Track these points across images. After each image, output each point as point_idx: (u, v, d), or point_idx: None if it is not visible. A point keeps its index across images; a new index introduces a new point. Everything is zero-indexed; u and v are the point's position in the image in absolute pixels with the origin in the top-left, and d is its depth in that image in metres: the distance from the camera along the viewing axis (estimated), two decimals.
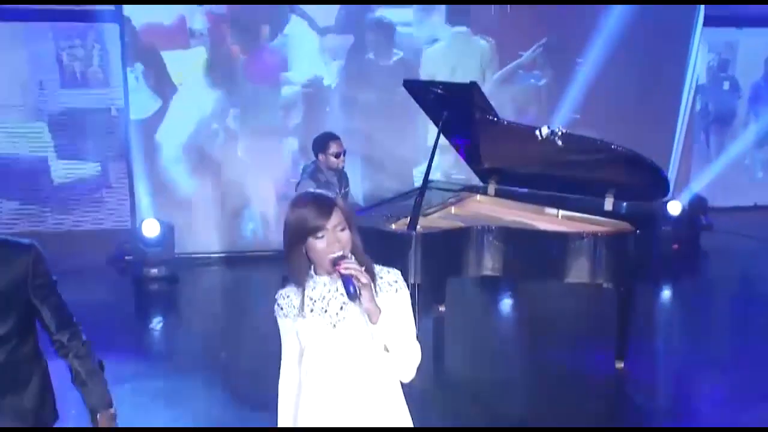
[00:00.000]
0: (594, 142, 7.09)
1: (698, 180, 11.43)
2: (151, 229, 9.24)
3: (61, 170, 10.73)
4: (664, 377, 7.30)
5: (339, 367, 3.31)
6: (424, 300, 7.53)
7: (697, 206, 10.79)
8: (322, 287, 3.21)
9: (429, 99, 7.05)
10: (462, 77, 9.77)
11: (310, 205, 3.20)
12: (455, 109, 6.90)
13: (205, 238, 9.88)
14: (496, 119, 6.88)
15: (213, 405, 5.77)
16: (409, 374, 3.32)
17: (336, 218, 3.10)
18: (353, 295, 2.98)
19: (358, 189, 9.47)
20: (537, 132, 6.62)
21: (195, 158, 10.18)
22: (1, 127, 10.46)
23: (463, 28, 10.55)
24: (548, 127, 6.65)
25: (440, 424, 6.10)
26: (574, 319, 8.48)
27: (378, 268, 3.25)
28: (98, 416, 3.56)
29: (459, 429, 5.25)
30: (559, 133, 6.63)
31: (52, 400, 3.61)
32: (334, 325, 3.23)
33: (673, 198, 10.32)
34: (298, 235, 3.14)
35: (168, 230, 9.38)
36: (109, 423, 3.63)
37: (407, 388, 5.55)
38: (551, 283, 8.63)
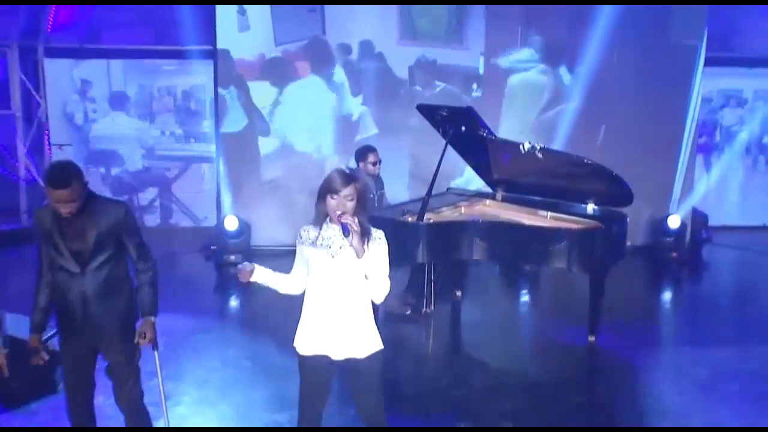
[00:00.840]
0: (569, 156, 8.15)
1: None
2: (231, 224, 10.32)
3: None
4: (626, 350, 7.76)
5: (332, 288, 4.41)
6: (442, 286, 8.60)
7: (698, 221, 11.35)
8: (332, 231, 4.32)
9: (437, 119, 7.82)
10: None
11: (337, 175, 4.33)
12: (456, 127, 7.67)
13: (275, 233, 10.53)
14: (491, 136, 7.72)
15: (267, 346, 6.83)
16: (379, 298, 4.42)
17: (349, 190, 4.22)
18: (347, 235, 4.09)
19: (405, 195, 9.86)
20: (520, 146, 7.52)
21: (271, 166, 10.99)
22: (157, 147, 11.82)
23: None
24: (529, 143, 7.55)
25: (454, 384, 6.96)
26: (564, 302, 9.19)
27: (373, 230, 4.36)
28: (144, 319, 4.69)
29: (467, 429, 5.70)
30: (538, 147, 7.50)
31: (134, 307, 4.74)
32: (333, 256, 4.31)
33: (672, 213, 11.02)
34: (322, 190, 4.30)
35: (245, 226, 10.43)
36: (148, 327, 4.72)
37: (430, 354, 7.28)
38: (541, 270, 9.72)
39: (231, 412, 6.09)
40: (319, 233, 4.43)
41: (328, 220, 4.40)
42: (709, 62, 11.43)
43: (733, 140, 12.80)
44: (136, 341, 4.72)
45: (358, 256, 4.30)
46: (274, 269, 4.69)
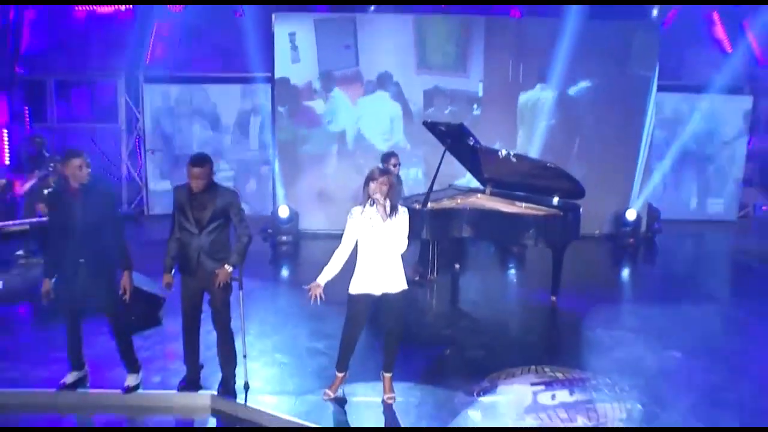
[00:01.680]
0: (537, 161, 9.02)
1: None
2: (284, 212, 10.96)
3: None
4: (579, 307, 8.43)
5: (374, 247, 5.46)
6: (441, 259, 9.30)
7: (652, 215, 11.84)
8: (372, 210, 5.36)
9: (438, 133, 8.55)
10: None
11: (377, 169, 5.48)
12: (453, 138, 8.37)
13: (316, 220, 11.11)
14: (478, 145, 8.43)
15: (307, 300, 6.42)
16: (402, 250, 5.46)
17: (383, 180, 5.32)
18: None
19: (420, 188, 10.10)
20: (499, 152, 8.41)
21: (317, 168, 11.42)
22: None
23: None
24: (506, 150, 8.43)
25: (446, 326, 7.81)
26: (539, 273, 9.48)
27: (400, 207, 5.42)
28: (225, 265, 5.58)
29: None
30: (512, 154, 8.38)
31: (230, 260, 5.59)
32: (372, 226, 5.36)
33: (629, 207, 11.47)
34: (366, 179, 5.38)
35: (294, 214, 11.04)
36: (224, 271, 5.56)
37: (431, 307, 8.24)
38: (521, 249, 10.36)
39: (282, 342, 6.97)
40: (363, 210, 5.46)
41: (369, 201, 5.41)
42: (660, 89, 11.79)
43: (677, 150, 12.83)
44: (217, 276, 5.56)
45: (382, 219, 5.36)
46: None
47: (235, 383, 5.89)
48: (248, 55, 11.62)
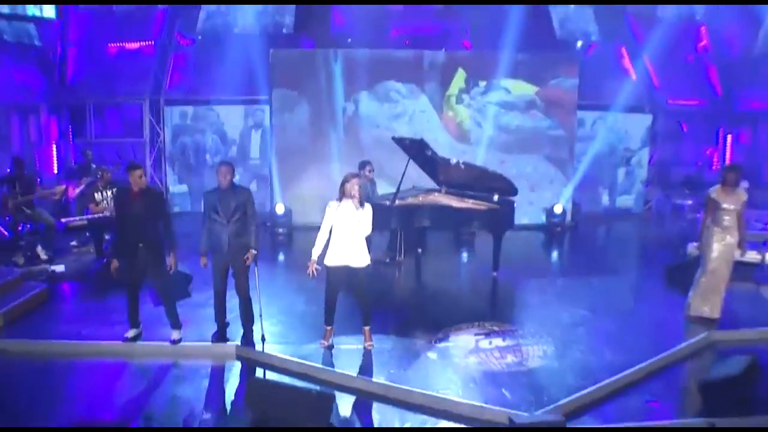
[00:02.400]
0: (479, 166, 9.62)
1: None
2: (280, 209, 11.47)
3: None
4: (514, 279, 9.16)
5: (346, 231, 6.20)
6: (407, 244, 9.83)
7: (575, 207, 12.51)
8: (346, 204, 6.16)
9: (403, 146, 9.08)
10: None
11: (349, 175, 6.27)
12: (415, 150, 8.98)
13: (308, 215, 11.10)
14: (436, 156, 9.06)
15: (300, 276, 7.49)
16: (367, 233, 6.25)
17: (355, 181, 6.15)
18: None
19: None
20: (450, 160, 9.06)
21: (307, 173, 11.82)
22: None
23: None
24: (455, 159, 9.11)
25: (410, 296, 8.57)
26: (484, 254, 9.72)
27: (366, 204, 6.26)
28: (251, 249, 6.56)
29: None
30: (461, 161, 9.10)
31: (248, 243, 6.49)
32: (346, 215, 6.11)
33: (557, 202, 12.08)
34: (343, 180, 6.19)
35: (288, 211, 11.53)
36: (251, 253, 6.50)
37: (399, 282, 8.81)
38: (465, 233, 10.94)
39: (284, 306, 7.73)
40: (339, 204, 6.31)
41: (344, 198, 6.26)
42: (581, 108, 12.50)
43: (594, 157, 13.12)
44: (245, 259, 6.51)
45: (355, 209, 6.21)
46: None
47: (253, 336, 6.72)
48: (249, 82, 12.12)
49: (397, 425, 5.48)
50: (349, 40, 12.44)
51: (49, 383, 6.09)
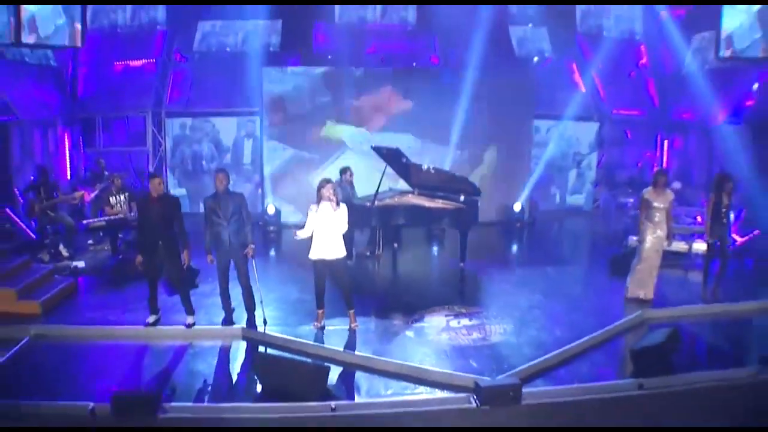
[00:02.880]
0: (447, 171, 10.17)
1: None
2: (270, 210, 11.85)
3: None
4: (478, 269, 9.61)
5: (324, 229, 6.70)
6: (385, 240, 10.33)
7: (533, 205, 13.04)
8: (324, 205, 6.64)
9: (381, 154, 9.57)
10: None
11: (324, 181, 6.77)
12: (392, 157, 9.49)
13: (297, 215, 11.52)
14: (409, 162, 9.58)
15: (292, 265, 8.66)
16: (343, 230, 6.71)
17: (330, 185, 6.65)
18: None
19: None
20: (423, 166, 9.52)
21: (294, 178, 12.18)
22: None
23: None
24: (426, 164, 9.54)
25: (388, 285, 9.08)
26: (453, 247, 10.25)
27: (342, 204, 6.79)
28: (249, 245, 7.11)
29: None
30: (432, 167, 9.54)
31: (245, 240, 7.06)
32: (324, 215, 6.61)
33: (516, 201, 12.55)
34: (319, 186, 6.66)
35: (279, 211, 11.90)
36: (251, 249, 7.05)
37: (378, 273, 9.32)
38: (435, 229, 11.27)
39: (279, 294, 8.21)
40: (318, 207, 6.84)
41: (321, 201, 6.79)
42: (537, 117, 13.06)
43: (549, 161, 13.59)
44: (246, 253, 7.10)
45: (333, 210, 6.72)
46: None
47: (255, 320, 7.31)
48: (241, 95, 12.49)
49: (381, 392, 6.12)
50: (329, 56, 12.91)
51: (85, 362, 6.68)
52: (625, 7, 13.89)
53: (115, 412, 5.50)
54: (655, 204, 7.96)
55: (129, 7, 12.55)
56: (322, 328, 7.23)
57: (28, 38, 8.08)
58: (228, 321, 7.39)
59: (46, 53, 11.04)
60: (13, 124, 10.03)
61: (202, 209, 7.26)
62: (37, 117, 10.70)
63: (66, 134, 11.78)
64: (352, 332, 7.19)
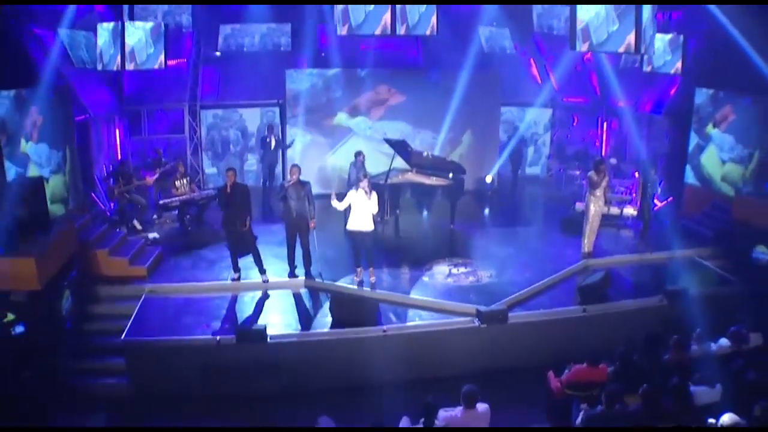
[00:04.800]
0: (439, 156, 12.22)
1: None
2: None
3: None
4: (464, 228, 11.69)
5: (359, 208, 8.87)
6: (392, 205, 11.68)
7: (500, 178, 14.78)
8: (361, 191, 8.88)
9: (390, 143, 11.67)
10: None
11: (363, 176, 9.04)
12: (399, 147, 11.60)
13: (314, 188, 10.52)
14: (412, 150, 11.73)
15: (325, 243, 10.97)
16: (375, 211, 8.88)
17: (366, 182, 8.82)
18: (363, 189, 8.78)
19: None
20: (423, 152, 11.70)
21: (311, 155, 13.66)
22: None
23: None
24: (427, 151, 11.78)
25: (392, 241, 10.96)
26: (443, 213, 11.89)
27: (374, 193, 8.88)
28: (311, 221, 9.70)
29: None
30: (429, 153, 11.76)
31: (308, 216, 9.43)
32: (360, 200, 8.81)
33: (488, 173, 14.34)
34: (357, 180, 9.01)
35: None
36: (313, 223, 9.36)
37: (384, 233, 11.14)
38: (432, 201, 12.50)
39: (328, 259, 9.88)
40: (356, 192, 8.83)
41: (360, 188, 8.85)
42: (503, 104, 14.94)
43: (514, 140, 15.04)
44: (309, 225, 9.22)
45: (367, 197, 8.85)
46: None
47: (312, 272, 9.57)
48: (263, 89, 14.15)
49: (415, 319, 8.66)
50: (323, 54, 14.41)
51: (192, 309, 8.84)
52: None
53: (238, 341, 7.86)
54: (597, 182, 10.53)
55: (160, 13, 13.76)
56: (361, 282, 9.43)
57: (129, 66, 10.07)
58: (292, 275, 9.66)
59: (95, 58, 12.50)
60: (89, 121, 11.83)
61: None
62: (100, 113, 12.45)
63: (119, 126, 13.26)
64: (382, 281, 9.50)
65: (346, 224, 9.33)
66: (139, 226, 11.39)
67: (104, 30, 9.96)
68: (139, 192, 11.94)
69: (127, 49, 9.82)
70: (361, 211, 9.02)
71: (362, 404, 7.26)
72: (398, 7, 7.99)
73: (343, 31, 8.33)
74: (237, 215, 9.04)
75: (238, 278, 9.52)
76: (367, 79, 14.17)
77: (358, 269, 9.54)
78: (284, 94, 13.99)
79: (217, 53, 14.31)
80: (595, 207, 10.42)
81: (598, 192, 10.37)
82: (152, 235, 11.20)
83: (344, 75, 14.05)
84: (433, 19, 8.26)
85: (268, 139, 13.68)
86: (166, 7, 13.24)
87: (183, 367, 7.74)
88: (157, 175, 12.22)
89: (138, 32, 9.97)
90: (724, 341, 6.95)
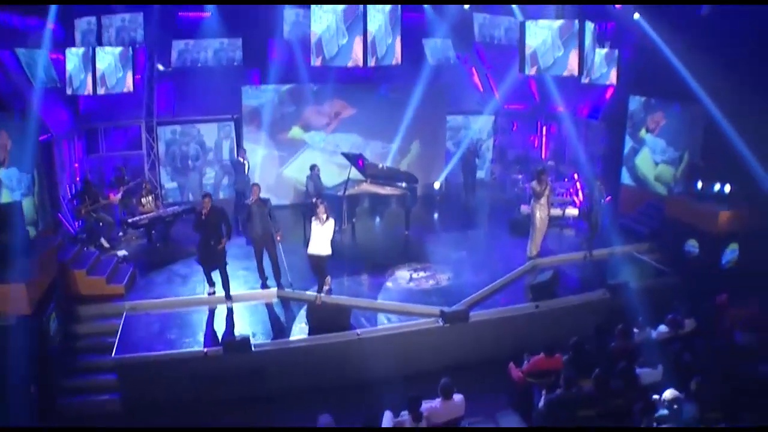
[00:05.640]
0: (394, 167, 13.08)
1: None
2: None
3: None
4: (416, 234, 12.52)
5: (316, 233, 9.44)
6: (349, 215, 12.46)
7: (448, 183, 15.71)
8: (316, 221, 9.48)
9: (348, 157, 12.37)
10: None
11: (318, 202, 9.43)
12: (354, 159, 12.31)
13: (272, 200, 11.77)
14: (366, 160, 12.50)
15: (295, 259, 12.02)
16: (330, 236, 9.38)
17: (322, 208, 9.30)
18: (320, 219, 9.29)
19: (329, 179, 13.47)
20: (377, 164, 12.50)
21: (267, 169, 14.33)
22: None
23: None
24: (381, 163, 12.59)
25: (349, 246, 11.69)
26: (398, 221, 12.81)
27: (330, 220, 9.32)
28: (278, 234, 10.35)
29: None
30: (384, 165, 12.61)
31: (272, 230, 10.26)
32: (317, 224, 9.34)
33: (436, 180, 15.32)
34: (313, 206, 9.37)
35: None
36: (280, 235, 9.90)
37: (342, 240, 11.80)
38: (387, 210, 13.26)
39: (292, 273, 10.78)
40: (314, 219, 9.31)
41: (316, 216, 9.29)
42: (449, 113, 15.82)
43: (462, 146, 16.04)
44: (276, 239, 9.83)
45: (321, 224, 9.27)
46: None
47: (282, 283, 10.16)
48: (219, 104, 14.49)
49: (384, 322, 9.46)
50: (272, 61, 14.94)
51: (172, 325, 9.32)
52: (513, 19, 15.64)
53: (225, 351, 8.47)
54: (540, 191, 11.40)
55: (113, 29, 13.24)
56: (330, 290, 10.11)
57: (100, 90, 10.42)
58: (264, 286, 10.26)
59: (52, 76, 12.72)
60: (52, 142, 11.94)
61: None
62: (61, 133, 12.58)
63: (76, 145, 13.38)
64: (347, 288, 10.25)
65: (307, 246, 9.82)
66: (106, 244, 11.72)
67: (73, 55, 10.29)
68: (104, 210, 12.20)
69: (98, 74, 10.13)
70: (319, 236, 9.45)
71: (344, 402, 7.95)
72: (369, 40, 8.60)
73: (317, 62, 8.93)
74: (211, 236, 9.50)
75: (214, 292, 10.04)
76: (319, 93, 14.82)
77: (323, 282, 9.99)
78: (240, 110, 14.49)
79: (160, 67, 14.46)
80: (541, 214, 11.38)
81: (543, 200, 11.34)
82: (121, 252, 11.53)
83: (297, 90, 14.66)
84: (398, 48, 8.91)
85: (243, 160, 13.64)
86: (119, 22, 13.30)
87: (173, 380, 8.28)
88: (121, 194, 12.52)
89: (108, 57, 10.33)
90: (662, 327, 8.07)
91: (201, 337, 9.06)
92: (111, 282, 10.15)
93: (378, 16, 8.88)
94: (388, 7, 8.94)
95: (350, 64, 8.80)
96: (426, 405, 6.48)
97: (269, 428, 7.74)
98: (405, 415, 6.56)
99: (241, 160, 13.52)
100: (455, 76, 16.32)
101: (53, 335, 8.56)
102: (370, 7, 8.82)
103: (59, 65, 11.74)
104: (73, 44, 11.90)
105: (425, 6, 15.00)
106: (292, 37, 14.53)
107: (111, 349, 8.62)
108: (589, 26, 8.99)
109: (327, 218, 9.37)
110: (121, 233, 12.52)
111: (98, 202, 11.92)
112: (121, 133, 14.83)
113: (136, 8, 12.98)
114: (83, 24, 12.15)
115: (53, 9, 11.00)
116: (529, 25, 9.15)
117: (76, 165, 13.63)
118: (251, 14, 14.34)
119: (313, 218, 9.41)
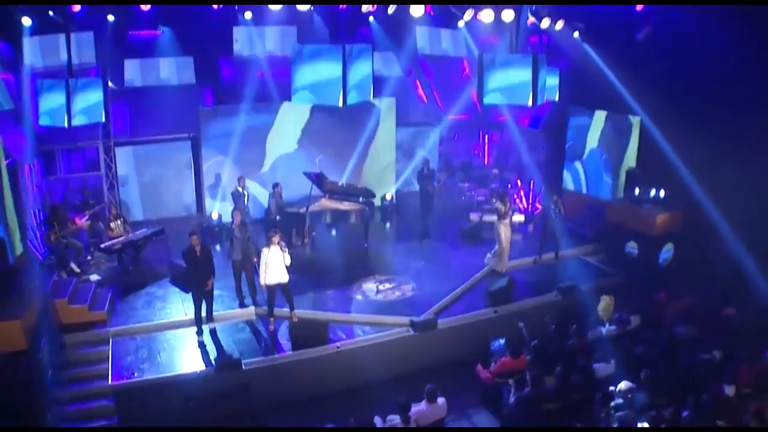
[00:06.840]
0: (352, 184, 13.66)
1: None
2: (214, 215, 14.31)
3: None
4: (380, 244, 13.28)
5: (274, 262, 9.75)
6: (310, 229, 13.27)
7: (399, 194, 16.26)
8: (274, 247, 9.71)
9: (309, 176, 12.96)
10: None
11: (273, 233, 9.71)
12: (314, 177, 13.00)
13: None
14: (325, 177, 13.16)
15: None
16: (288, 264, 9.64)
17: (277, 237, 9.65)
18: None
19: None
20: (337, 181, 13.23)
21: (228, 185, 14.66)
22: None
23: None
24: (340, 181, 13.41)
25: (310, 263, 12.30)
26: (358, 235, 13.21)
27: (286, 249, 9.77)
28: (254, 258, 10.96)
29: None
30: (343, 183, 13.35)
31: (252, 252, 11.04)
32: (274, 255, 9.64)
33: (387, 192, 16.05)
34: (269, 236, 9.60)
35: (220, 215, 14.26)
36: (255, 261, 10.35)
37: (304, 253, 12.61)
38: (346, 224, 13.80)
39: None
40: (269, 249, 9.55)
41: (272, 245, 9.58)
42: (398, 125, 16.05)
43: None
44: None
45: (282, 251, 9.66)
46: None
47: (258, 300, 10.77)
48: (175, 123, 14.68)
49: (359, 333, 10.27)
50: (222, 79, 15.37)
51: (159, 348, 9.80)
52: (453, 31, 16.80)
53: (217, 371, 9.13)
54: (503, 211, 12.20)
55: (62, 49, 12.69)
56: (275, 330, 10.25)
57: (74, 121, 10.72)
58: (242, 306, 10.90)
59: (6, 96, 12.41)
60: (15, 165, 11.63)
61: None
62: (21, 156, 12.52)
63: (34, 167, 13.26)
64: (313, 303, 10.93)
65: (260, 278, 9.98)
66: (77, 269, 11.96)
67: (48, 86, 10.50)
68: (72, 235, 12.37)
69: (74, 107, 10.47)
70: (277, 265, 9.71)
71: (332, 411, 8.68)
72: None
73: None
74: (201, 270, 9.84)
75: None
76: (275, 112, 15.29)
77: (271, 319, 10.24)
78: (198, 131, 14.83)
79: (111, 85, 14.28)
80: (506, 232, 12.22)
81: (507, 220, 12.25)
82: (94, 277, 11.82)
83: (254, 108, 15.01)
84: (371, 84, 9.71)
85: (242, 190, 13.78)
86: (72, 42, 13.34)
87: (168, 401, 8.88)
88: (87, 218, 12.79)
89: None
90: (611, 326, 9.32)
91: (191, 359, 9.60)
92: (93, 309, 10.49)
93: None
94: None
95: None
96: (414, 408, 7.43)
97: (269, 428, 8.39)
98: (393, 420, 7.50)
99: (240, 189, 13.72)
100: (402, 89, 16.87)
101: (46, 366, 8.92)
102: None
103: (10, 86, 11.81)
104: (21, 63, 12.13)
105: (370, 20, 15.50)
106: (242, 54, 15.07)
107: (102, 377, 9.12)
108: (542, 58, 9.97)
109: (285, 246, 9.72)
110: (89, 257, 12.72)
111: (67, 227, 12.14)
112: (79, 155, 14.92)
113: (86, 27, 13.17)
114: (34, 42, 12.26)
115: None
116: (487, 56, 9.93)
117: (35, 188, 13.68)
118: (203, 32, 14.61)
119: (265, 249, 9.58)
